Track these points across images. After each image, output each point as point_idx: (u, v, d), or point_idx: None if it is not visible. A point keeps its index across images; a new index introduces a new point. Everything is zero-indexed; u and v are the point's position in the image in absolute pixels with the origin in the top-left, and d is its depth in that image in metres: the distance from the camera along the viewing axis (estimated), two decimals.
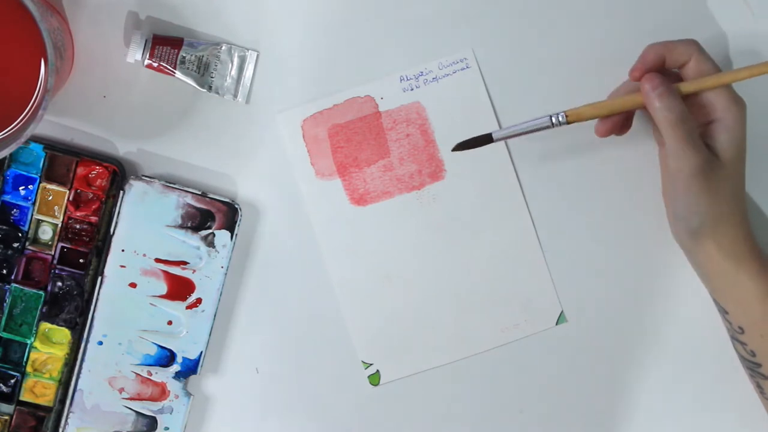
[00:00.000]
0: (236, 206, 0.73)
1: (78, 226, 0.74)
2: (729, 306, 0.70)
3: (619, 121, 0.72)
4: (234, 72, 0.74)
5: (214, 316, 0.74)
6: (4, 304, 0.73)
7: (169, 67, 0.73)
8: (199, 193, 0.73)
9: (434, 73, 0.75)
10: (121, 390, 0.74)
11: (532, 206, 0.76)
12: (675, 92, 0.68)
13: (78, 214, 0.73)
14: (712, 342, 0.76)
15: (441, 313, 0.76)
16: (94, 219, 0.73)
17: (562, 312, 0.76)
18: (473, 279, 0.76)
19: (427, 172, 0.75)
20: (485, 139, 0.71)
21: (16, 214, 0.73)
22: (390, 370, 0.76)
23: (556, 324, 0.76)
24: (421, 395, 0.76)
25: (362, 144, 0.75)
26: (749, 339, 0.70)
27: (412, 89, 0.75)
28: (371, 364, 0.76)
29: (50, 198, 0.73)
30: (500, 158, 0.75)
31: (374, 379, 0.76)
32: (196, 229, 0.73)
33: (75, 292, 0.73)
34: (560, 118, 0.70)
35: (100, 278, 0.73)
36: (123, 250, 0.73)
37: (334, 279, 0.75)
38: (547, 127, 0.70)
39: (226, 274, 0.74)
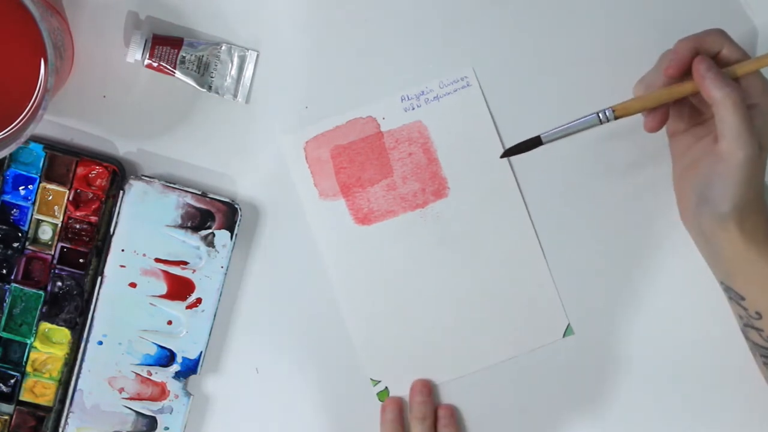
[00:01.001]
0: (236, 206, 0.73)
1: (78, 226, 0.74)
2: (747, 291, 0.70)
3: (666, 113, 0.71)
4: (234, 72, 0.74)
5: (214, 316, 0.74)
6: (4, 304, 0.73)
7: (169, 67, 0.73)
8: (199, 193, 0.73)
9: (435, 91, 0.75)
10: (121, 390, 0.74)
11: (536, 221, 0.76)
12: (728, 76, 0.68)
13: (78, 214, 0.73)
14: (724, 356, 0.76)
15: (448, 328, 0.76)
16: (94, 219, 0.73)
17: (569, 324, 0.76)
18: (479, 294, 0.76)
19: (431, 191, 0.75)
20: (534, 142, 0.70)
21: (16, 214, 0.73)
22: (398, 386, 0.76)
23: (563, 336, 0.76)
24: None
25: (365, 164, 0.75)
26: (767, 324, 0.70)
27: (413, 108, 0.75)
28: (379, 381, 0.76)
29: (50, 198, 0.73)
30: (503, 174, 0.75)
31: (383, 395, 0.76)
32: (196, 229, 0.73)
33: (75, 292, 0.73)
34: (608, 114, 0.69)
35: (100, 278, 0.73)
36: (123, 250, 0.73)
37: (341, 297, 0.75)
38: (595, 125, 0.70)
39: (226, 274, 0.74)
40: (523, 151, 0.70)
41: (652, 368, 0.77)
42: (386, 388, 0.76)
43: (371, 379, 0.76)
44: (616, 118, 0.69)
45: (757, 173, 0.68)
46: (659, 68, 0.70)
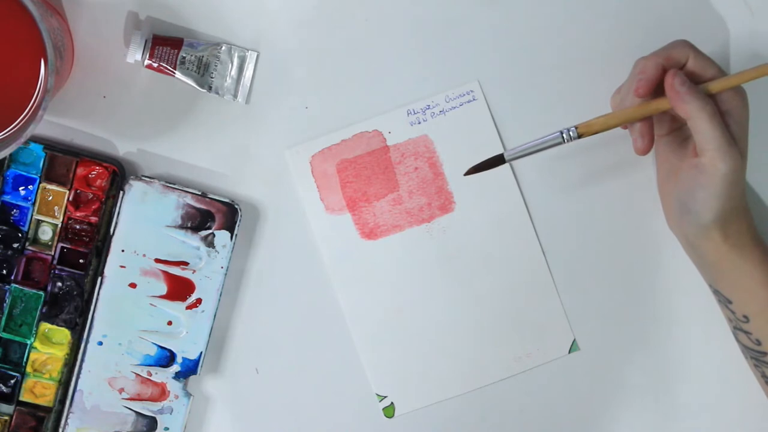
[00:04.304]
0: (236, 206, 0.73)
1: (78, 227, 0.74)
2: (734, 295, 0.70)
3: (651, 133, 0.70)
4: (234, 72, 0.74)
5: (214, 316, 0.74)
6: (4, 305, 0.73)
7: (169, 68, 0.73)
8: (199, 193, 0.73)
9: (441, 106, 0.75)
10: (121, 390, 0.74)
11: (542, 235, 0.75)
12: (702, 90, 0.67)
13: (78, 214, 0.73)
14: (731, 369, 0.75)
15: (454, 343, 0.76)
16: (94, 219, 0.73)
17: (574, 340, 0.76)
18: (485, 309, 0.76)
19: (437, 205, 0.75)
20: (497, 161, 0.70)
21: (16, 215, 0.73)
22: (404, 402, 0.76)
23: (569, 352, 0.76)
24: (436, 426, 0.76)
25: (371, 178, 0.75)
26: (755, 327, 0.70)
27: (419, 123, 0.75)
28: (385, 397, 0.76)
29: (50, 198, 0.73)
30: (509, 188, 0.75)
31: (389, 411, 0.76)
32: (196, 229, 0.73)
33: (75, 293, 0.73)
34: (571, 133, 0.69)
35: (100, 278, 0.73)
36: (123, 251, 0.73)
37: (347, 312, 0.75)
38: (559, 143, 0.69)
39: (226, 274, 0.74)
40: (486, 169, 0.70)
41: (658, 383, 0.76)
42: (392, 403, 0.76)
43: (377, 394, 0.76)
44: (579, 136, 0.69)
45: (740, 182, 0.68)
46: (633, 78, 0.69)
